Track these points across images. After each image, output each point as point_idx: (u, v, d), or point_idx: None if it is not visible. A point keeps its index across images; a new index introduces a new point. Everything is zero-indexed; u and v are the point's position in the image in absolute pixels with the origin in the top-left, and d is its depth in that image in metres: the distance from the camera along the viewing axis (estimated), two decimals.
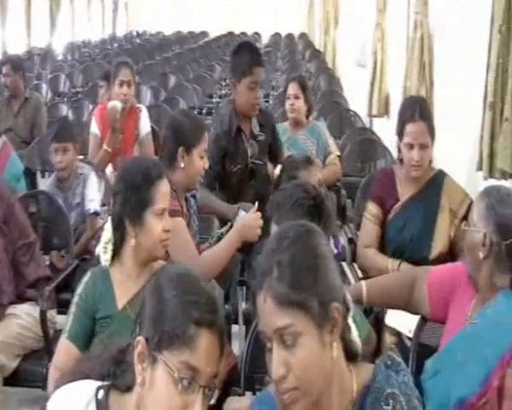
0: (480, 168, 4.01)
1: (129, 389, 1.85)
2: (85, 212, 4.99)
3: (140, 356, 1.79)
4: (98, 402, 1.85)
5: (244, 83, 4.69)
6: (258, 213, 3.53)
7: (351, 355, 1.87)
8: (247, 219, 3.56)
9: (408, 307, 3.16)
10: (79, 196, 5.04)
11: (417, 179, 4.01)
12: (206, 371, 1.76)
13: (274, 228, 2.88)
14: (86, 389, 1.87)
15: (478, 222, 2.77)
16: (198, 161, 3.68)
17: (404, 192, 4.07)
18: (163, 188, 2.95)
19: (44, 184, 5.56)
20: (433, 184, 3.97)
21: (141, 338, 1.79)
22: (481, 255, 2.74)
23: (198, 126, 3.77)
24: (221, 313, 1.85)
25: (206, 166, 3.76)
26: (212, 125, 5.03)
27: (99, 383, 1.88)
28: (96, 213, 4.99)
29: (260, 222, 3.53)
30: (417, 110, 3.90)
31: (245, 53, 4.77)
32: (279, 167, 4.12)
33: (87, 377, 1.92)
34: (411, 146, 3.91)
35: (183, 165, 3.64)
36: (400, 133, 3.96)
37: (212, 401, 1.80)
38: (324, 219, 2.85)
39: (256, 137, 4.81)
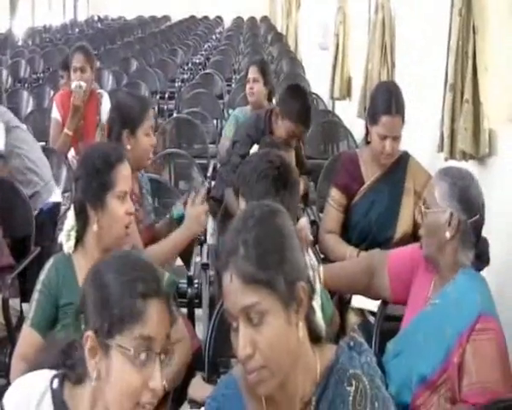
0: (440, 149, 4.04)
1: (79, 382, 1.85)
2: None
3: (91, 351, 1.78)
4: (53, 391, 1.85)
5: (285, 124, 4.73)
6: (199, 203, 3.59)
7: (314, 337, 1.88)
8: (191, 212, 3.60)
9: (367, 292, 3.19)
10: None
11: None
12: (160, 337, 1.78)
13: (241, 202, 2.87)
14: (41, 379, 1.87)
15: (441, 202, 2.79)
16: (144, 140, 3.76)
17: (369, 174, 4.08)
18: (123, 171, 2.95)
19: None
20: (398, 167, 3.99)
21: (89, 333, 1.78)
22: (448, 235, 2.76)
23: (140, 105, 3.83)
24: (163, 280, 1.85)
25: (154, 142, 3.81)
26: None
27: (54, 372, 1.88)
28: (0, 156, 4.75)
29: (204, 208, 3.60)
30: (394, 102, 3.89)
31: (299, 102, 4.78)
32: (256, 147, 4.08)
33: (42, 368, 1.91)
34: (385, 137, 3.93)
35: (129, 147, 3.68)
36: (373, 120, 3.97)
37: (167, 361, 1.82)
38: (290, 188, 2.84)
39: None
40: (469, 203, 2.77)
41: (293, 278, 1.75)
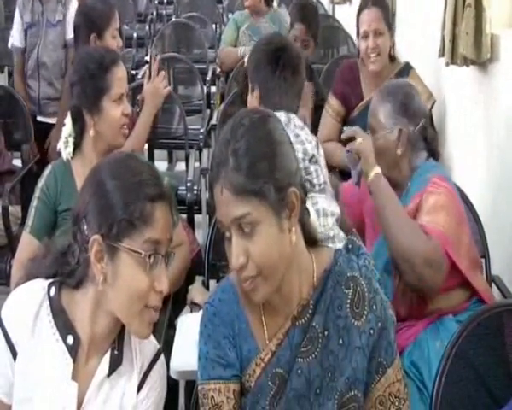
0: (441, 55, 3.98)
1: (78, 285, 1.85)
2: (67, 41, 4.81)
3: (97, 255, 1.77)
4: (51, 299, 1.84)
5: (291, 33, 4.79)
6: (158, 77, 3.72)
7: (310, 240, 1.89)
8: (148, 88, 3.71)
9: None
10: (60, 13, 4.85)
11: (382, 76, 3.99)
12: (165, 240, 1.80)
13: (255, 89, 2.91)
14: (39, 288, 1.86)
15: (387, 123, 2.85)
16: (111, 42, 3.83)
17: (369, 90, 4.07)
18: (119, 73, 2.95)
19: None
20: None
21: (96, 237, 1.76)
22: (400, 151, 2.83)
23: (106, 7, 3.91)
24: (165, 181, 1.86)
25: (120, 44, 3.87)
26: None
27: (50, 281, 1.87)
28: None
29: (160, 78, 3.70)
30: None
31: (296, 6, 4.92)
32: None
33: (38, 277, 1.91)
34: (366, 34, 3.92)
35: None
36: (357, 26, 3.99)
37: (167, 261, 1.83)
38: (290, 68, 2.87)
39: None
40: (413, 113, 2.85)
41: (284, 185, 1.73)
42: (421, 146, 2.86)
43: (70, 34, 4.68)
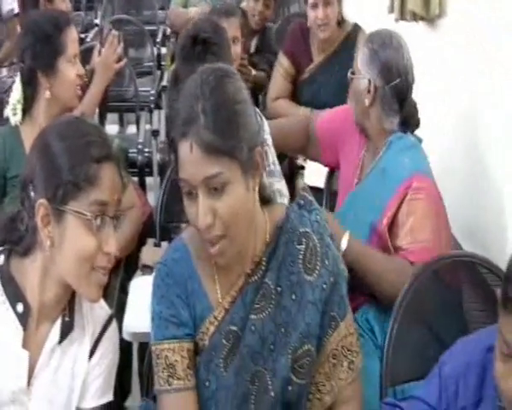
0: (391, 11, 4.00)
1: (27, 253, 1.83)
2: (5, 14, 4.63)
3: (44, 219, 1.75)
4: (0, 267, 1.83)
5: None
6: (109, 50, 3.53)
7: (263, 198, 1.89)
8: (99, 60, 3.50)
9: (305, 154, 3.21)
10: None
11: (330, 40, 4.00)
12: (112, 201, 1.78)
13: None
14: None
15: (362, 69, 2.75)
16: (60, 5, 3.88)
17: (318, 52, 4.08)
18: (72, 34, 2.96)
19: None
20: (347, 45, 3.99)
21: (42, 201, 1.74)
22: (367, 102, 2.73)
23: None
24: (113, 143, 1.83)
25: (69, 7, 3.90)
26: None
27: None
28: (16, 15, 4.60)
29: (110, 50, 3.52)
30: None
31: None
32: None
33: None
34: (315, 4, 3.92)
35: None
36: None
37: (117, 226, 1.82)
38: (212, 53, 2.89)
39: (248, 55, 4.67)
40: (385, 67, 2.70)
41: (252, 144, 1.73)
42: (394, 107, 2.72)
43: (6, 6, 4.57)
